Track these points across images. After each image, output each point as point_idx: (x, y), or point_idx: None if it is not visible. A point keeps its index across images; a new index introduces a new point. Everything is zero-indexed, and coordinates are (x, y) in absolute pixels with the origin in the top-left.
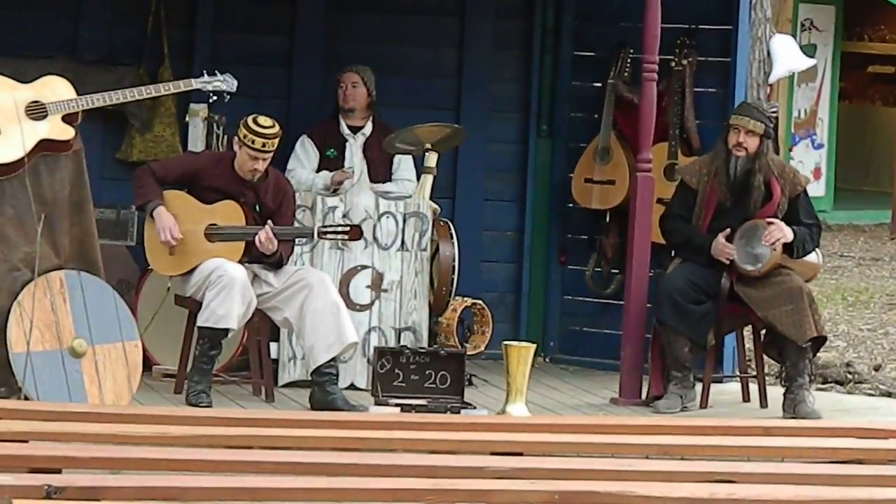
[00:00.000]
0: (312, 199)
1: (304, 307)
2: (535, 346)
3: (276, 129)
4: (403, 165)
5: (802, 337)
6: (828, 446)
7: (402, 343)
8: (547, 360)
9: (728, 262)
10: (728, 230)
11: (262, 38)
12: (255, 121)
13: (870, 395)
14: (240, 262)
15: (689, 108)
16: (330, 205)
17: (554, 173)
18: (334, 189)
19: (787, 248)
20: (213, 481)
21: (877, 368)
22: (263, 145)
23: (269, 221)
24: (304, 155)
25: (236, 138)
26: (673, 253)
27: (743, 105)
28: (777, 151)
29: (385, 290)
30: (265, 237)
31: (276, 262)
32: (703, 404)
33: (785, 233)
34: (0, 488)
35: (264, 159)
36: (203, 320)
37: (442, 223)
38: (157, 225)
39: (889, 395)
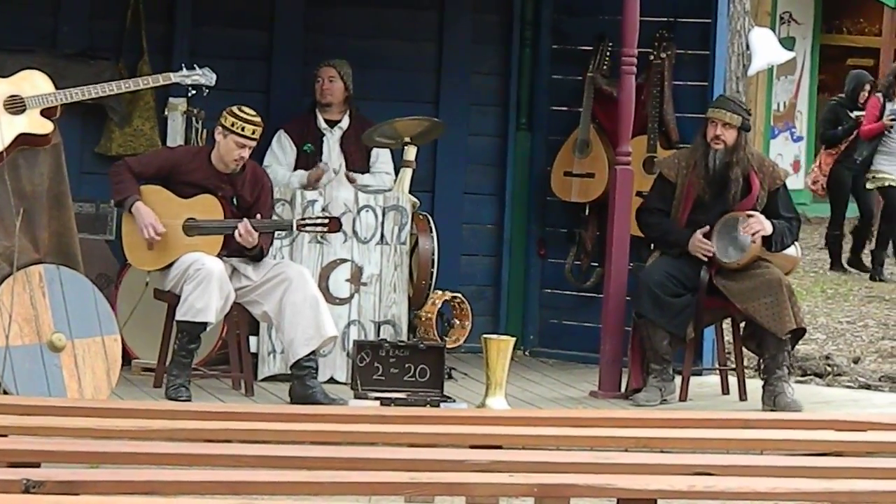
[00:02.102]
0: (292, 193)
1: (284, 301)
2: (514, 339)
3: (260, 119)
4: (381, 158)
5: (782, 329)
6: (807, 438)
7: (381, 337)
8: (526, 353)
9: (705, 258)
10: (707, 228)
11: (242, 32)
12: (240, 109)
13: (849, 387)
14: (218, 255)
15: (668, 102)
16: (309, 198)
17: (533, 166)
18: (313, 187)
19: (766, 242)
20: (192, 475)
21: (856, 361)
22: (253, 132)
23: (259, 216)
24: (281, 151)
25: (220, 128)
26: (652, 246)
27: (720, 98)
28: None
29: (364, 284)
30: (244, 230)
31: (256, 255)
32: (683, 397)
33: (764, 225)
34: None
35: (250, 147)
36: (181, 314)
37: (421, 217)
38: (138, 222)
39: (868, 387)
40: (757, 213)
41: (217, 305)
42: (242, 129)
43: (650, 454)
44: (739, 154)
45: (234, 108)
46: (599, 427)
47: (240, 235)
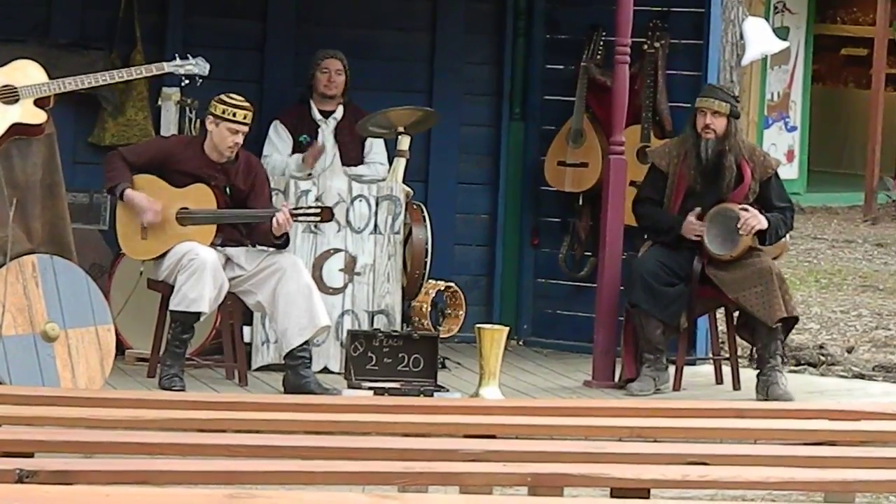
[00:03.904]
0: (285, 183)
1: (277, 290)
2: (508, 328)
3: (249, 103)
4: (375, 149)
5: (772, 317)
6: (800, 428)
7: (375, 326)
8: (520, 342)
9: (698, 240)
10: (699, 209)
11: (235, 22)
12: (228, 96)
13: (843, 377)
14: (211, 245)
15: (662, 91)
16: (303, 188)
17: (527, 156)
18: (309, 172)
19: (760, 235)
20: (185, 465)
21: (849, 350)
22: (245, 116)
23: (285, 205)
24: (279, 140)
25: (210, 117)
26: (646, 235)
27: (707, 87)
28: None
29: (358, 274)
30: (283, 220)
31: (283, 244)
32: (677, 387)
33: (760, 220)
34: None
35: (243, 132)
36: (175, 304)
37: (415, 206)
38: (135, 207)
39: (862, 376)
40: (751, 208)
41: (211, 295)
42: (234, 114)
43: (644, 444)
44: (731, 141)
45: (223, 96)
46: (593, 417)
47: (277, 224)
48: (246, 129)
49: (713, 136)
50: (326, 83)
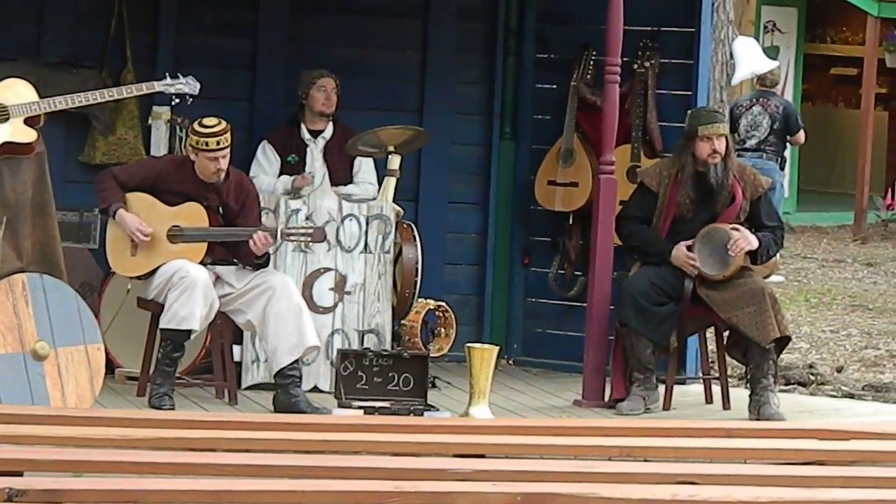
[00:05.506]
0: (276, 202)
1: (267, 309)
2: (498, 348)
3: (224, 124)
4: (364, 167)
5: (766, 338)
6: (790, 447)
7: (365, 345)
8: (510, 362)
9: (691, 271)
10: (690, 241)
11: (226, 41)
12: (200, 124)
13: (832, 396)
14: (202, 263)
15: (652, 111)
16: (293, 207)
17: (517, 175)
18: (295, 194)
19: (751, 255)
20: (175, 484)
21: (839, 370)
22: (218, 143)
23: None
24: (266, 161)
25: (189, 147)
26: (636, 255)
27: (704, 113)
28: None
29: (348, 293)
30: (260, 239)
31: (264, 263)
32: (666, 406)
33: (750, 240)
34: None
35: (224, 156)
36: (165, 322)
37: (405, 226)
38: (124, 228)
39: (851, 396)
40: (742, 228)
41: (201, 313)
42: (207, 144)
43: (634, 463)
44: (731, 158)
45: (196, 125)
46: (583, 436)
47: (254, 244)
48: (225, 152)
49: (719, 159)
50: (325, 101)
